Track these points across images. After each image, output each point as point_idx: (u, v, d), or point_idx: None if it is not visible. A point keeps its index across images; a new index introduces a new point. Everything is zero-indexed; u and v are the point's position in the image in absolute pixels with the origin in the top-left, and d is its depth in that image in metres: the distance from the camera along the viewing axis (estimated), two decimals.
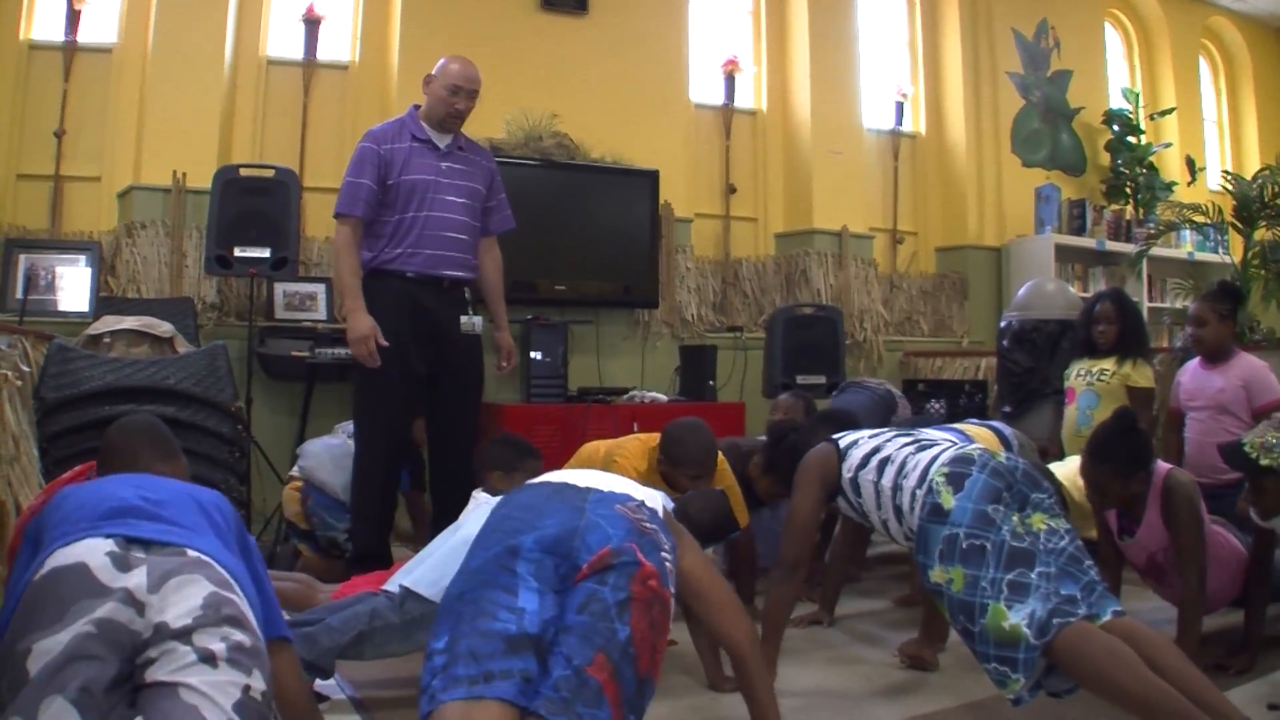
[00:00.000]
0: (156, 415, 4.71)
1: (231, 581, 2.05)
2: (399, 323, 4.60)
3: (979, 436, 4.72)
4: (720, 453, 4.31)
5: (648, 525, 2.46)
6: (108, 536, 2.01)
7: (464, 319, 4.75)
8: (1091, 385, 5.45)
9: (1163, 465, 3.71)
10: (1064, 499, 4.13)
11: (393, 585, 3.30)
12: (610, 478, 2.71)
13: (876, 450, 3.40)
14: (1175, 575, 3.66)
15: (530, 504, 2.50)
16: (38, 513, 2.29)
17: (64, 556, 1.97)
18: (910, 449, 3.30)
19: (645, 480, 4.08)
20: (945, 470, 3.07)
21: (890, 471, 3.28)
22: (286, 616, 3.17)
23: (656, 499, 2.66)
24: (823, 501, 3.52)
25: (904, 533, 3.24)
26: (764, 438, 4.86)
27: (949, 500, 2.98)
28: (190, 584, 1.96)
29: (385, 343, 4.50)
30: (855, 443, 3.49)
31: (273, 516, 5.72)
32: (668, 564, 2.42)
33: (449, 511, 4.77)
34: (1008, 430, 4.83)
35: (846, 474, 3.43)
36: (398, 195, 4.63)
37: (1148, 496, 3.68)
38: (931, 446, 3.27)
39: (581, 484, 2.58)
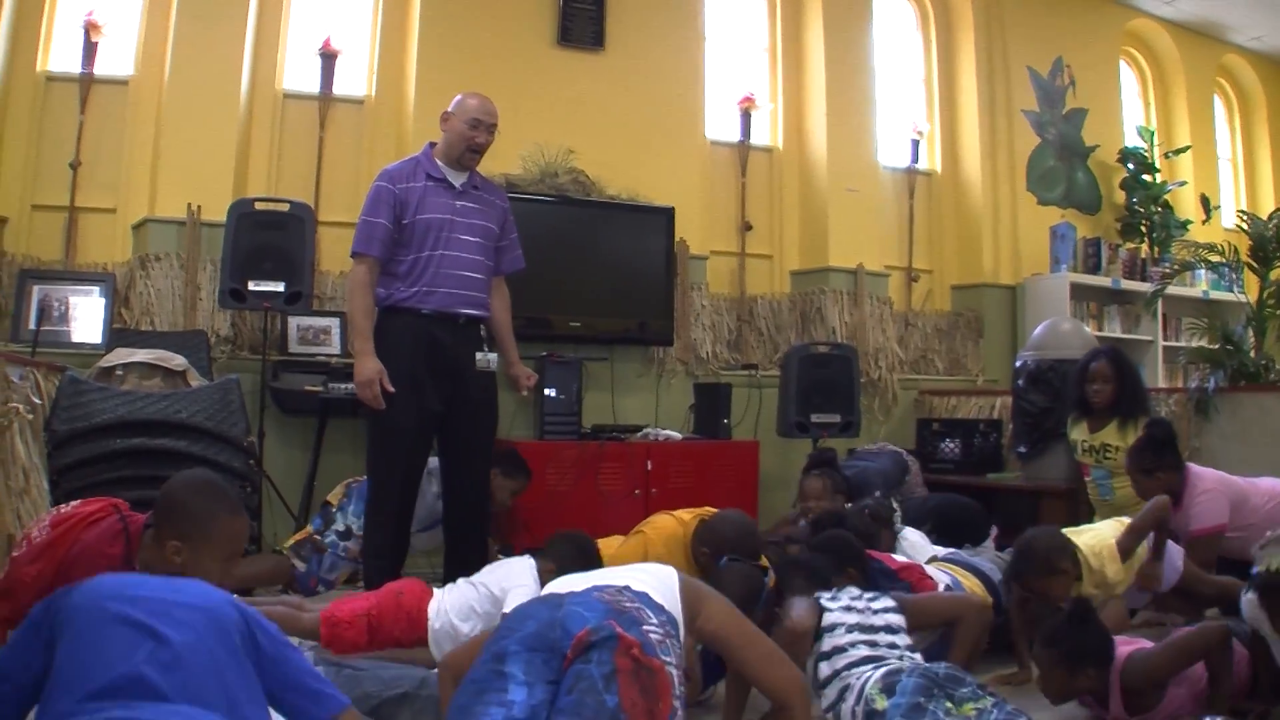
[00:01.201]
0: (168, 449, 4.77)
1: None
2: (414, 359, 4.57)
3: (968, 583, 4.64)
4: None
5: (628, 604, 2.51)
6: None
7: (479, 356, 4.72)
8: (1100, 463, 5.44)
9: (1121, 651, 3.49)
10: (1079, 571, 4.14)
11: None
12: (596, 574, 2.79)
13: (841, 651, 3.44)
14: None
15: (517, 613, 2.59)
16: (47, 602, 2.24)
17: None
18: (858, 671, 3.36)
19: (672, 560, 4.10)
20: (878, 685, 3.20)
21: (834, 687, 3.36)
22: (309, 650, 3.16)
23: (652, 584, 2.67)
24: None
25: None
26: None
27: (883, 703, 3.12)
28: None
29: (391, 388, 4.48)
30: (832, 629, 3.52)
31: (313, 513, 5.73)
32: (653, 635, 2.44)
33: (462, 547, 4.77)
34: (996, 577, 4.74)
35: (815, 651, 3.48)
36: (413, 234, 4.62)
37: (1108, 687, 3.48)
38: (866, 673, 3.33)
39: (563, 590, 2.65)
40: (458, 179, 4.75)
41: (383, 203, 4.61)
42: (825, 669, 3.40)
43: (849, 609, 3.56)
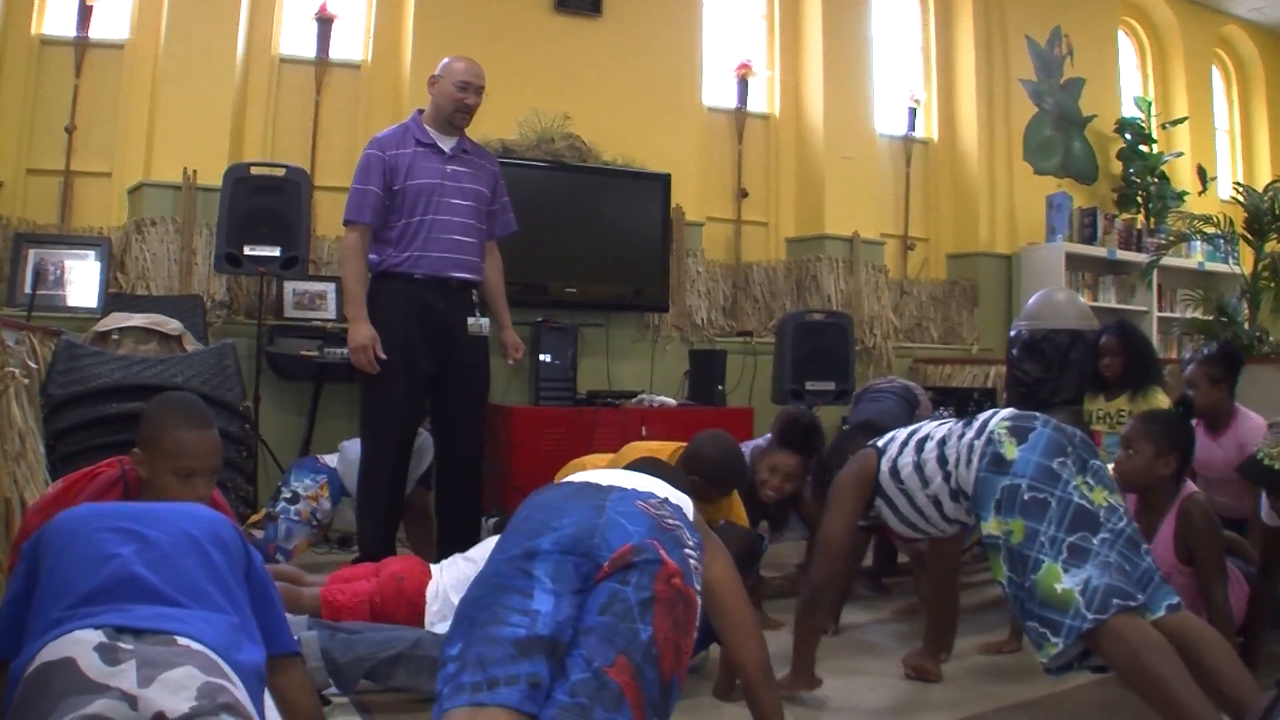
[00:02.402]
0: None
1: (222, 665, 2.02)
2: (407, 323, 4.61)
3: None
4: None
5: (670, 521, 2.41)
6: (97, 627, 1.98)
7: (471, 320, 4.75)
8: (1113, 429, 5.47)
9: (1189, 486, 3.66)
10: None
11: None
12: (634, 476, 2.66)
13: (914, 433, 3.41)
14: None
15: (550, 504, 2.45)
16: (37, 532, 2.25)
17: (52, 651, 1.94)
18: (959, 424, 3.31)
19: None
20: (1008, 424, 3.10)
21: (931, 445, 3.29)
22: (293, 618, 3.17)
23: (684, 499, 2.62)
24: (858, 517, 3.50)
25: (948, 509, 3.26)
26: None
27: (1012, 451, 3.00)
28: (183, 674, 1.92)
29: (384, 355, 4.53)
30: (892, 438, 3.49)
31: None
32: (691, 560, 2.37)
33: (454, 511, 4.80)
34: None
35: (885, 465, 3.42)
36: (404, 200, 4.64)
37: (1166, 512, 3.63)
38: (982, 413, 3.28)
39: (604, 483, 2.53)
40: (447, 144, 4.77)
41: (373, 170, 4.63)
42: (909, 449, 3.36)
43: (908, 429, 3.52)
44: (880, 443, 3.53)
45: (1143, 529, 3.61)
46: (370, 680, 3.19)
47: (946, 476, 3.22)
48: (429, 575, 3.90)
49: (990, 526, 2.95)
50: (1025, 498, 2.89)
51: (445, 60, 4.81)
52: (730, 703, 3.37)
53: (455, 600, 3.80)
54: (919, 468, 3.30)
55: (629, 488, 2.51)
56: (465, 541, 4.78)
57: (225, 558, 2.23)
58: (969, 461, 3.12)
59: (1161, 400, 5.32)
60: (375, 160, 4.65)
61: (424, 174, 4.67)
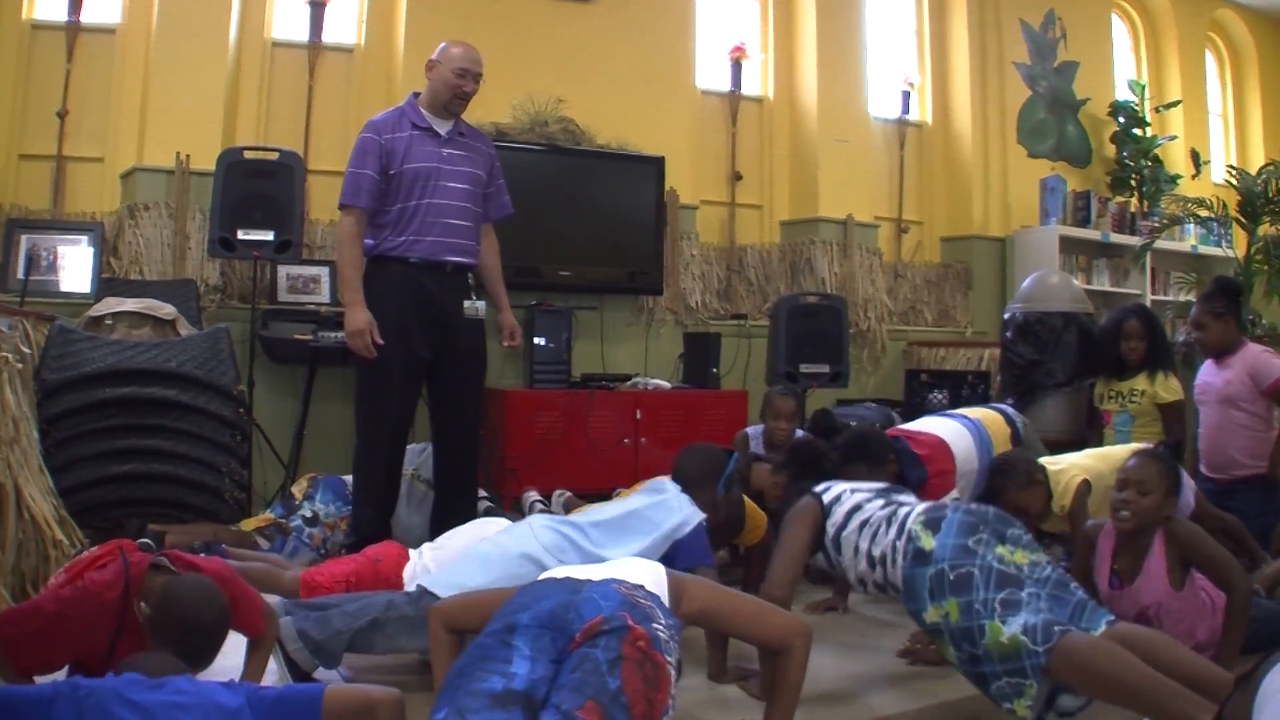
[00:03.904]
0: (158, 398, 4.79)
1: None
2: (403, 307, 4.61)
3: (986, 419, 4.80)
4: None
5: (641, 600, 2.56)
6: None
7: (467, 304, 4.75)
8: (1124, 407, 5.56)
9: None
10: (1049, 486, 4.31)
11: (410, 585, 3.33)
12: (612, 567, 2.80)
13: (857, 509, 3.47)
14: (1170, 628, 3.61)
15: (533, 589, 2.64)
16: (57, 693, 2.15)
17: None
18: (885, 512, 3.39)
19: None
20: (921, 519, 3.24)
21: (866, 534, 3.38)
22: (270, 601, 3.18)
23: (659, 582, 2.72)
24: (810, 547, 3.55)
25: (882, 585, 3.36)
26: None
27: (929, 542, 3.15)
28: None
29: (381, 340, 4.52)
30: (838, 499, 3.55)
31: (273, 499, 5.71)
32: (661, 633, 2.49)
33: (450, 496, 4.81)
34: (1017, 417, 4.90)
35: (830, 529, 3.50)
36: (400, 184, 4.64)
37: (1147, 550, 3.62)
38: (904, 506, 3.39)
39: (582, 576, 2.69)
40: (443, 127, 4.77)
41: (369, 154, 4.62)
42: (851, 528, 3.42)
43: (853, 491, 3.58)
44: (825, 498, 3.58)
45: (1123, 570, 3.68)
46: (353, 651, 3.21)
47: (881, 569, 3.33)
48: (406, 557, 3.92)
49: (930, 615, 3.09)
50: (951, 578, 3.04)
51: (443, 45, 4.79)
52: (723, 683, 3.40)
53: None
54: (856, 551, 3.40)
55: (602, 577, 2.66)
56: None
57: None
58: (894, 562, 3.25)
59: (1174, 383, 5.43)
60: (371, 144, 4.63)
61: (421, 157, 4.66)
